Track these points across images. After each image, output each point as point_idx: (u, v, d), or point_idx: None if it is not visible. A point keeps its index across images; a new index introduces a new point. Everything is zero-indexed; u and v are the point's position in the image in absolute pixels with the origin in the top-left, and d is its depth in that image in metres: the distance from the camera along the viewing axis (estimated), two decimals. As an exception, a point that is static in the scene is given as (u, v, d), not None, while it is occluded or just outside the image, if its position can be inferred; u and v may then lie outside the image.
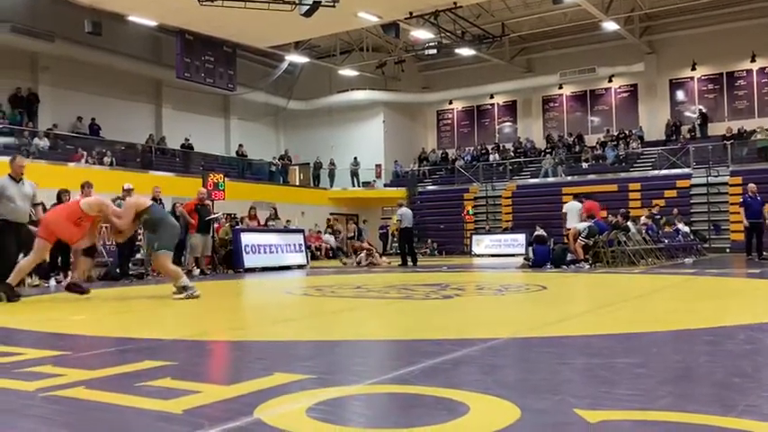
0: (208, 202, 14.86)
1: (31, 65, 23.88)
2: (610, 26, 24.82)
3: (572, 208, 15.29)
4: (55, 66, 23.95)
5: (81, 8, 20.18)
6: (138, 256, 13.87)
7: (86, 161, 21.75)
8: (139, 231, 13.66)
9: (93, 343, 4.72)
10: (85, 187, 12.08)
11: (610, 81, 29.14)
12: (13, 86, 23.06)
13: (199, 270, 13.96)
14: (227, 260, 15.50)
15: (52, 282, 11.23)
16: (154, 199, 13.30)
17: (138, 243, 13.96)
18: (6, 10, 21.04)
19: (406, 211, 17.39)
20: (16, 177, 8.58)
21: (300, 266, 16.68)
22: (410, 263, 16.57)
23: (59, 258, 11.57)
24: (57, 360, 3.68)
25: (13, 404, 2.78)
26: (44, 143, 21.51)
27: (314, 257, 21.55)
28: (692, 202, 24.26)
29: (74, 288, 8.30)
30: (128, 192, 12.57)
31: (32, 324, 5.75)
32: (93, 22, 20.77)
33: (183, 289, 7.78)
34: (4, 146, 20.29)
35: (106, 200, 8.85)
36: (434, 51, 24.28)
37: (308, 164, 31.69)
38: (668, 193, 24.32)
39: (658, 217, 18.72)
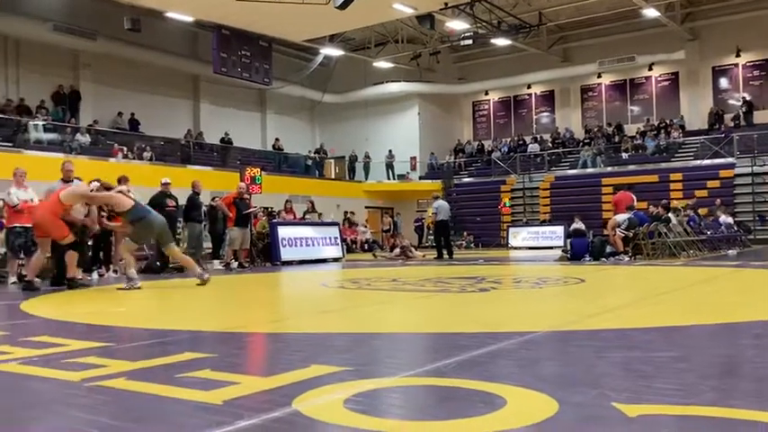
0: (247, 195, 15.02)
1: (72, 62, 24.40)
2: (650, 13, 24.29)
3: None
4: (96, 63, 24.44)
5: (121, 6, 20.53)
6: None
7: (126, 156, 22.17)
8: (179, 226, 13.94)
9: (135, 335, 4.83)
10: (122, 182, 12.35)
11: (650, 69, 28.55)
12: (55, 84, 23.61)
13: (237, 263, 14.13)
14: (265, 253, 15.67)
15: (94, 275, 11.47)
16: (195, 193, 13.55)
17: (177, 237, 14.22)
18: (48, 9, 21.52)
19: (441, 203, 17.32)
20: (67, 179, 9.49)
21: (336, 259, 16.76)
22: (446, 256, 16.51)
23: (101, 252, 11.82)
24: (100, 351, 3.77)
25: (60, 394, 2.86)
26: (85, 139, 21.97)
27: (349, 250, 21.64)
28: (735, 192, 23.66)
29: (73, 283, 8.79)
30: (165, 185, 12.81)
31: (76, 316, 5.90)
32: (132, 19, 21.12)
33: (129, 280, 8.45)
34: (48, 142, 20.81)
35: (83, 187, 9.13)
36: (470, 42, 24.05)
37: (344, 157, 31.78)
38: (711, 184, 23.76)
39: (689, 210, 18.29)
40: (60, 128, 22.06)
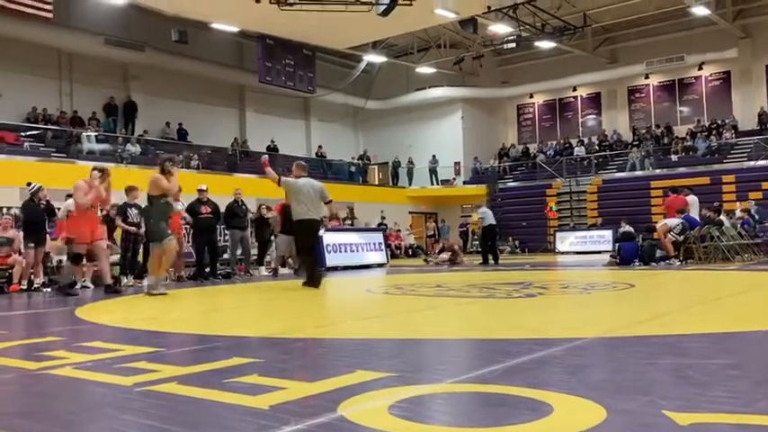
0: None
1: (122, 74, 25.09)
2: (699, 11, 23.70)
3: (693, 201, 14.89)
4: (144, 74, 25.07)
5: (168, 18, 21.04)
6: (225, 256, 14.34)
7: (174, 165, 22.61)
8: (227, 233, 14.15)
9: (185, 340, 4.92)
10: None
11: (700, 69, 27.86)
12: (106, 96, 24.29)
13: (288, 268, 14.32)
14: (310, 259, 15.78)
15: (146, 281, 11.73)
16: (235, 201, 13.76)
17: (225, 243, 14.45)
18: (100, 24, 22.18)
19: (486, 209, 17.32)
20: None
21: (380, 265, 16.80)
22: (491, 261, 16.41)
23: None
24: (151, 356, 3.86)
25: (113, 398, 2.93)
26: (135, 149, 22.53)
27: (393, 256, 21.66)
28: (792, 193, 22.90)
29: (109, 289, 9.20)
30: (201, 192, 13.05)
31: (128, 322, 6.05)
32: (179, 30, 21.63)
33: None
34: (100, 152, 21.41)
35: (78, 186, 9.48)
36: (513, 45, 23.95)
37: (387, 163, 31.85)
38: (766, 185, 23.03)
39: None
40: (112, 138, 22.68)
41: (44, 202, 11.20)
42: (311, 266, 9.45)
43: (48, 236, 11.34)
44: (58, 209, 11.77)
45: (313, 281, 9.24)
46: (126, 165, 20.85)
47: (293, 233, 14.19)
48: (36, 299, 9.52)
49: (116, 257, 12.40)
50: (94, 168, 9.74)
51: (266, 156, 9.89)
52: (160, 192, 8.84)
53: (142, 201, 12.03)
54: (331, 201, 9.71)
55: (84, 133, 21.75)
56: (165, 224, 8.84)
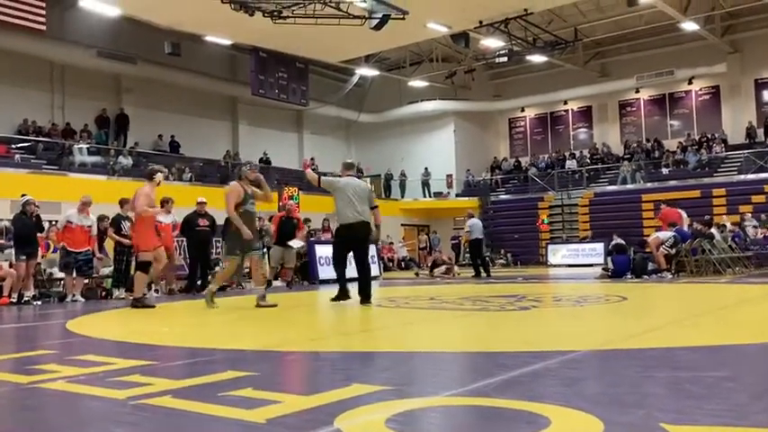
0: (298, 215, 14.99)
1: (115, 87, 25.04)
2: (689, 27, 23.95)
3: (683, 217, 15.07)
4: (137, 87, 25.04)
5: (161, 31, 21.06)
6: (217, 269, 14.27)
7: (167, 178, 22.55)
8: (218, 245, 14.10)
9: (179, 353, 4.89)
10: (167, 203, 12.61)
11: (690, 83, 28.11)
12: (98, 108, 24.23)
13: (281, 281, 14.28)
14: (303, 272, 15.75)
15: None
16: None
17: (216, 256, 14.39)
18: (92, 36, 22.16)
19: (474, 221, 17.31)
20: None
21: (373, 278, 16.73)
22: (483, 274, 16.42)
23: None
24: (144, 370, 3.83)
25: (107, 411, 2.90)
26: (128, 161, 22.48)
27: (386, 268, 21.63)
28: (782, 207, 23.06)
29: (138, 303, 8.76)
30: (200, 205, 13.01)
31: (121, 335, 6.00)
32: (172, 43, 21.64)
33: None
34: (92, 165, 21.34)
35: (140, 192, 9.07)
36: (505, 59, 24.06)
37: (379, 175, 31.90)
38: (756, 199, 23.17)
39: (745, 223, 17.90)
40: (104, 151, 22.61)
41: (34, 217, 11.14)
42: (343, 278, 8.42)
43: (39, 249, 11.28)
44: (50, 221, 11.74)
45: (345, 296, 8.33)
46: (118, 177, 20.80)
47: (284, 245, 14.19)
48: (26, 312, 9.44)
49: (108, 270, 12.35)
50: (157, 171, 9.31)
51: (308, 158, 9.27)
52: (238, 200, 8.15)
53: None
54: (377, 207, 8.55)
55: (75, 145, 21.67)
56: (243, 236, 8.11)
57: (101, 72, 23.59)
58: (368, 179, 31.85)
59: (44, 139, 21.62)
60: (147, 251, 8.88)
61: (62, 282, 11.70)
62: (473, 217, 17.96)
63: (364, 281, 8.16)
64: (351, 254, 8.45)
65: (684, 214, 15.35)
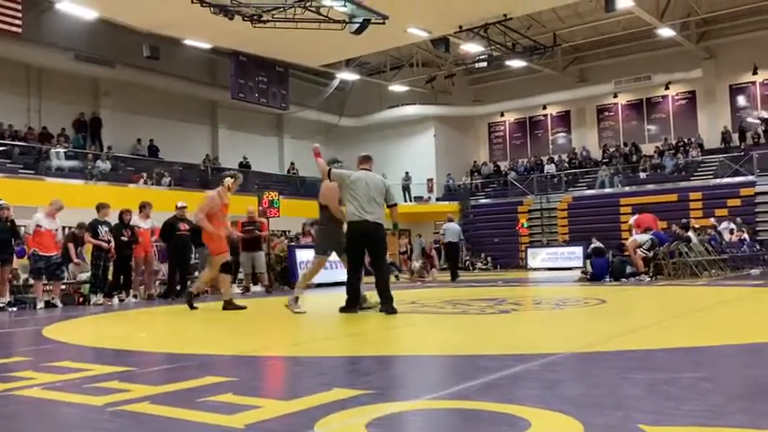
0: (260, 219, 14.93)
1: (93, 90, 24.80)
2: (665, 33, 24.27)
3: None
4: (115, 90, 24.83)
5: (140, 34, 20.90)
6: (196, 274, 14.14)
7: (146, 182, 22.40)
8: (197, 251, 13.97)
9: (157, 359, 4.84)
10: (145, 208, 12.50)
11: (666, 88, 28.47)
12: (76, 112, 23.99)
13: (260, 286, 14.22)
14: (283, 276, 15.68)
15: (115, 300, 11.56)
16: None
17: (195, 261, 14.27)
18: (70, 39, 21.93)
19: (449, 225, 17.44)
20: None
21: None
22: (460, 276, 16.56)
23: (122, 277, 11.92)
24: (122, 376, 3.78)
25: (84, 419, 2.87)
26: (106, 165, 22.26)
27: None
28: (757, 210, 23.41)
29: (229, 305, 8.69)
30: (180, 209, 12.88)
31: (98, 341, 5.93)
32: (151, 46, 21.47)
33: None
34: (69, 169, 21.10)
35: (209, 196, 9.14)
36: (485, 64, 24.19)
37: (360, 180, 31.82)
38: (731, 202, 23.52)
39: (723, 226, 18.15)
40: (81, 155, 22.37)
41: (9, 222, 10.97)
42: (355, 286, 7.76)
43: (14, 254, 11.11)
44: (24, 227, 11.56)
45: (353, 306, 7.62)
46: (96, 182, 20.60)
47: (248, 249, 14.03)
48: (1, 318, 9.30)
49: (85, 275, 12.21)
50: (227, 175, 9.23)
51: (317, 145, 8.59)
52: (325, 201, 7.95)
53: (112, 218, 11.89)
54: (395, 205, 7.80)
55: (52, 149, 21.42)
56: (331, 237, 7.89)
57: (78, 75, 23.35)
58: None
59: (20, 143, 21.34)
60: (222, 252, 8.82)
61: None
62: (452, 221, 18.09)
63: (378, 285, 7.48)
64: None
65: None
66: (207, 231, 8.77)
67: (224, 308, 8.67)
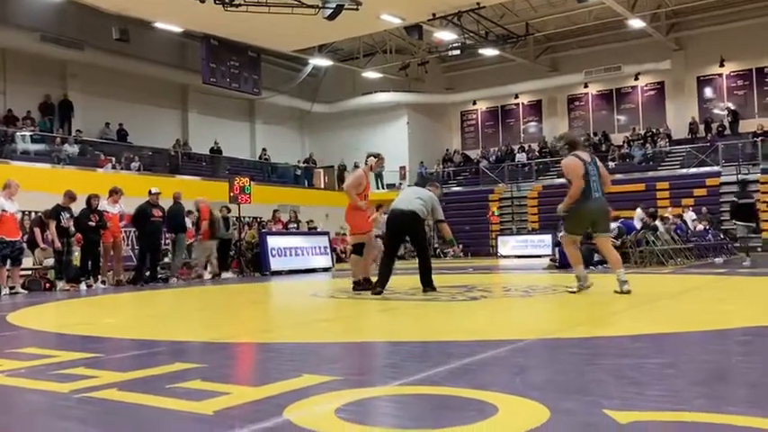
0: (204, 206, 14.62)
1: (60, 73, 24.27)
2: (636, 24, 24.53)
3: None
4: (83, 73, 24.33)
5: (109, 16, 20.49)
6: (166, 260, 14.02)
7: (114, 167, 22.06)
8: (166, 236, 13.83)
9: (124, 345, 4.79)
10: (116, 193, 12.32)
11: (636, 79, 28.82)
12: (42, 94, 23.48)
13: (231, 272, 14.17)
14: (254, 263, 15.62)
15: (83, 286, 11.41)
16: (176, 203, 13.42)
17: (165, 247, 14.13)
18: (36, 19, 21.43)
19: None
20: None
21: (326, 269, 16.73)
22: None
23: (90, 262, 11.77)
24: (89, 362, 3.74)
25: (50, 406, 2.83)
26: (73, 149, 21.85)
27: (339, 260, 21.60)
28: (722, 200, 23.85)
29: (358, 286, 8.65)
30: (153, 195, 12.71)
31: (64, 327, 5.86)
32: (120, 29, 21.09)
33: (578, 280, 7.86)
34: (35, 153, 20.67)
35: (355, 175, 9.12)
36: (458, 52, 24.22)
37: (333, 166, 31.78)
38: (698, 192, 23.97)
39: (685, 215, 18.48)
40: (48, 138, 21.92)
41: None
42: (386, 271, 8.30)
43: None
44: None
45: (381, 285, 8.17)
46: (63, 165, 20.22)
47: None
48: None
49: (51, 261, 12.02)
50: (371, 155, 9.10)
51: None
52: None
53: (77, 206, 11.69)
54: (442, 221, 8.49)
55: (18, 133, 20.96)
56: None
57: (45, 57, 22.83)
58: (320, 171, 31.58)
59: (-16, 126, 20.86)
60: (359, 233, 8.76)
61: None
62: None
63: (420, 269, 8.29)
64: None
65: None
66: (355, 208, 8.77)
67: (354, 289, 8.70)
